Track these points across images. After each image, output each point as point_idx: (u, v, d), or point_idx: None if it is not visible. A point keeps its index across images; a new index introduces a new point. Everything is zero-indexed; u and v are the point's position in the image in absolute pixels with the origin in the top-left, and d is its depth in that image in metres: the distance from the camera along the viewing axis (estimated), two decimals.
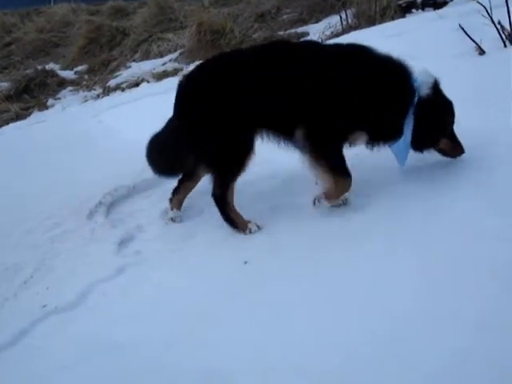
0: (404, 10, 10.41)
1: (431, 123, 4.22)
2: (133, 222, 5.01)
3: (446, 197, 4.04)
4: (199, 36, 11.90)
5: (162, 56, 13.12)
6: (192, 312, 3.62)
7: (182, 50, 12.68)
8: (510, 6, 6.36)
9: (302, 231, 4.18)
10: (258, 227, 4.35)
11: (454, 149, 4.38)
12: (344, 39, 7.21)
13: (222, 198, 4.38)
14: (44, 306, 4.02)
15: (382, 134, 4.27)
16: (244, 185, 4.48)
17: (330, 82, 4.12)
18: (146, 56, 13.53)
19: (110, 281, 4.19)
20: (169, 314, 3.67)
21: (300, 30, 11.55)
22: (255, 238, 4.28)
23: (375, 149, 4.37)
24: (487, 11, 6.31)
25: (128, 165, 5.77)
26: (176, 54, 12.69)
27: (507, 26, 6.36)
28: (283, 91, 4.17)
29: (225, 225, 4.40)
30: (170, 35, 13.82)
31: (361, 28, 9.69)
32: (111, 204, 5.34)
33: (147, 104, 8.37)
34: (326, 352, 2.99)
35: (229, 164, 4.34)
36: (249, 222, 4.37)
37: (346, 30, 9.98)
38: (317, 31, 10.85)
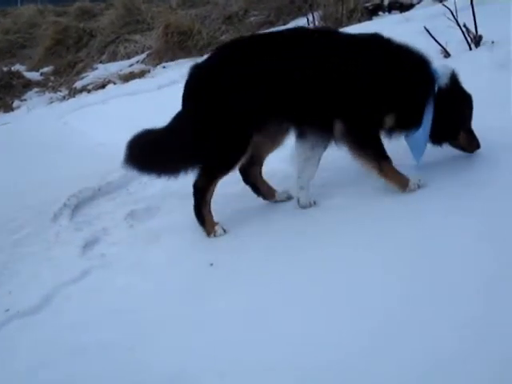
0: (371, 13, 10.48)
1: (452, 114, 4.23)
2: (98, 224, 4.98)
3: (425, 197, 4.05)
4: (166, 37, 11.87)
5: (128, 57, 13.08)
6: (157, 315, 3.58)
7: (149, 51, 12.65)
8: (475, 8, 6.41)
9: (268, 233, 4.17)
10: (224, 231, 4.33)
11: (471, 143, 4.36)
12: None
13: (203, 192, 4.34)
14: (7, 311, 3.95)
15: (404, 120, 4.24)
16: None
17: (358, 70, 4.11)
18: (113, 57, 13.48)
19: (74, 284, 4.14)
20: (134, 317, 3.62)
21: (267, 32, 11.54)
22: (221, 240, 4.26)
23: (394, 138, 4.34)
24: (452, 14, 6.35)
25: (93, 167, 5.73)
26: (143, 56, 12.65)
27: (472, 29, 6.40)
28: (310, 80, 4.14)
29: (190, 227, 4.39)
30: (137, 37, 13.77)
31: None
32: (76, 206, 5.30)
33: (113, 106, 8.31)
34: (297, 352, 2.96)
35: (223, 160, 4.30)
36: (216, 224, 4.35)
37: None
38: None
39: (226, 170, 4.32)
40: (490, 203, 3.73)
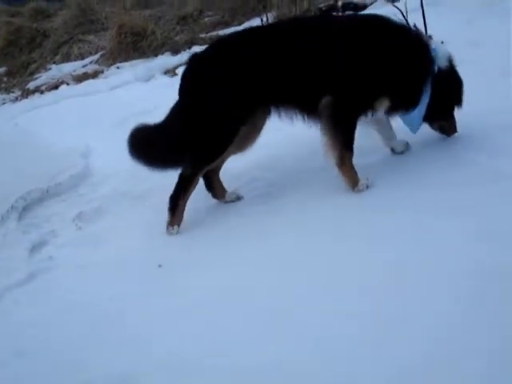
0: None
1: (450, 96, 4.35)
2: (46, 226, 4.93)
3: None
4: (120, 38, 11.76)
5: (82, 58, 12.93)
6: (104, 317, 3.54)
7: (103, 51, 12.53)
8: (425, 9, 6.47)
9: (218, 233, 4.18)
10: (177, 232, 4.34)
11: (452, 126, 4.49)
12: None
13: (189, 181, 4.34)
14: None
15: (403, 100, 4.28)
16: (169, 186, 4.40)
17: (358, 50, 4.13)
18: (67, 58, 13.33)
19: (20, 287, 4.10)
20: (80, 319, 3.58)
21: (222, 32, 11.53)
22: (170, 241, 4.27)
23: (392, 117, 4.44)
24: (403, 15, 6.39)
25: (43, 168, 5.67)
26: (97, 56, 12.52)
27: (422, 30, 6.46)
28: (309, 65, 4.16)
29: (139, 229, 4.39)
30: (90, 37, 13.64)
31: None
32: (24, 208, 5.22)
33: (65, 106, 8.22)
34: (234, 351, 2.95)
35: (213, 148, 4.31)
36: (181, 221, 4.37)
37: None
38: None
39: (215, 158, 4.35)
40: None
